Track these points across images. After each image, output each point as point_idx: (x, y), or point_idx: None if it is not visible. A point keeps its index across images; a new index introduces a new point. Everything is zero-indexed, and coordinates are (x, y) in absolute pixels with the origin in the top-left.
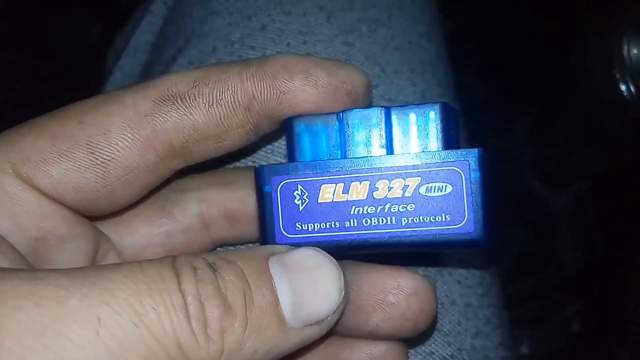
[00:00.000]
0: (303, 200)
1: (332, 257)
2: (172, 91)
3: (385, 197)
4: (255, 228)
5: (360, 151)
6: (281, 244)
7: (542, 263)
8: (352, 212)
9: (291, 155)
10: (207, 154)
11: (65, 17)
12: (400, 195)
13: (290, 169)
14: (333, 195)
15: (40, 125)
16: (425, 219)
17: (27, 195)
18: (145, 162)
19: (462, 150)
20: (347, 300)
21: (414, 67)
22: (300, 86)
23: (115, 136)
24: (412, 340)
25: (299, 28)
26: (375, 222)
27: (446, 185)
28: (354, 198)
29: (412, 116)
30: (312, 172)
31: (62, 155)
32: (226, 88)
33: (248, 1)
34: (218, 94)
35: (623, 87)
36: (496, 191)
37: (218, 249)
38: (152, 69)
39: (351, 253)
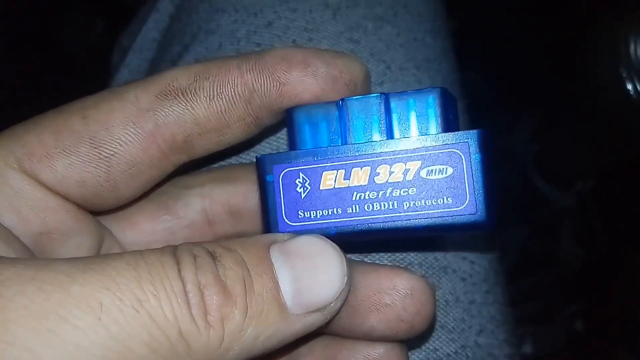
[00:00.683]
0: (305, 188)
1: (334, 244)
2: (173, 86)
3: (387, 181)
4: (259, 223)
5: (361, 138)
6: (284, 232)
7: (545, 262)
8: (353, 198)
9: (292, 145)
10: (209, 147)
11: (69, 13)
12: (401, 180)
13: (292, 157)
14: (334, 181)
15: (45, 121)
16: (426, 202)
17: (32, 190)
18: (148, 157)
19: (462, 132)
20: (349, 287)
21: (419, 64)
22: (300, 77)
23: (118, 131)
24: (415, 337)
25: (304, 25)
26: (377, 207)
27: (447, 168)
28: (356, 184)
29: (411, 102)
30: (313, 159)
31: (66, 150)
32: (226, 81)
33: None
34: (218, 88)
35: (629, 86)
36: (497, 173)
37: None
38: (158, 66)
39: (354, 239)
